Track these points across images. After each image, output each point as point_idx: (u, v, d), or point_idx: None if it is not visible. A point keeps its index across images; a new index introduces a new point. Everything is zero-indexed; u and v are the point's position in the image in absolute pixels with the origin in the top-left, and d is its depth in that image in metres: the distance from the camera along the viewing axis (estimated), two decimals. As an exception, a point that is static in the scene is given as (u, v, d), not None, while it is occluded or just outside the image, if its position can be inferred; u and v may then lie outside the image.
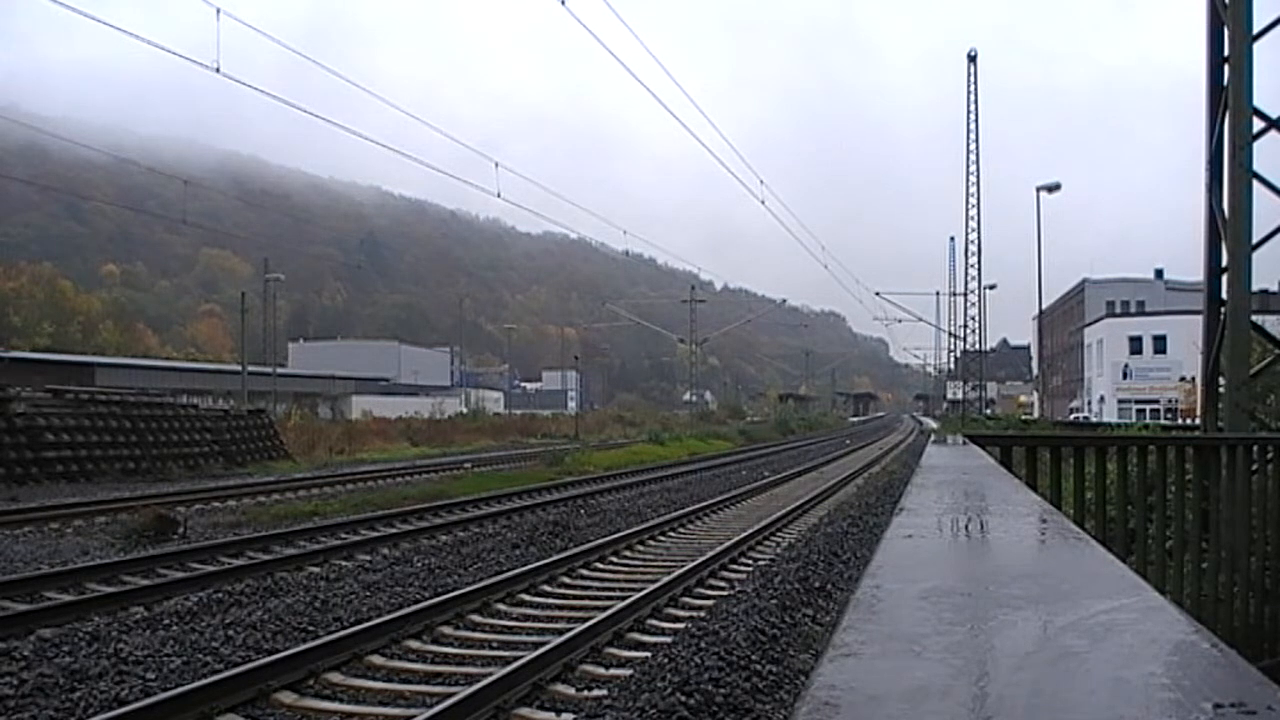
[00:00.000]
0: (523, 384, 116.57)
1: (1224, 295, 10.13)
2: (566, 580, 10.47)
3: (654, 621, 8.51)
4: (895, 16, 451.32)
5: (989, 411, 60.97)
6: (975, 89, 55.92)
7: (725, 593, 9.42)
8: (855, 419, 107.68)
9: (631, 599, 8.64)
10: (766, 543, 13.23)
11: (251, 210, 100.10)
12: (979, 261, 57.38)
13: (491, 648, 7.66)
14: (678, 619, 8.59)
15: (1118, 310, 71.86)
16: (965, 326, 59.97)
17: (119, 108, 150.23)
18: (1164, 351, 61.24)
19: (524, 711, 6.12)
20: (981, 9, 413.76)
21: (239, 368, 47.16)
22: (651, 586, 9.30)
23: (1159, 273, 75.79)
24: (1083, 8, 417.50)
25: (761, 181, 36.31)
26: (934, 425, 56.04)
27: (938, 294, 76.06)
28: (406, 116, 27.15)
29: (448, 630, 8.09)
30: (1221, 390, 10.37)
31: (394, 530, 13.82)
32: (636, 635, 8.02)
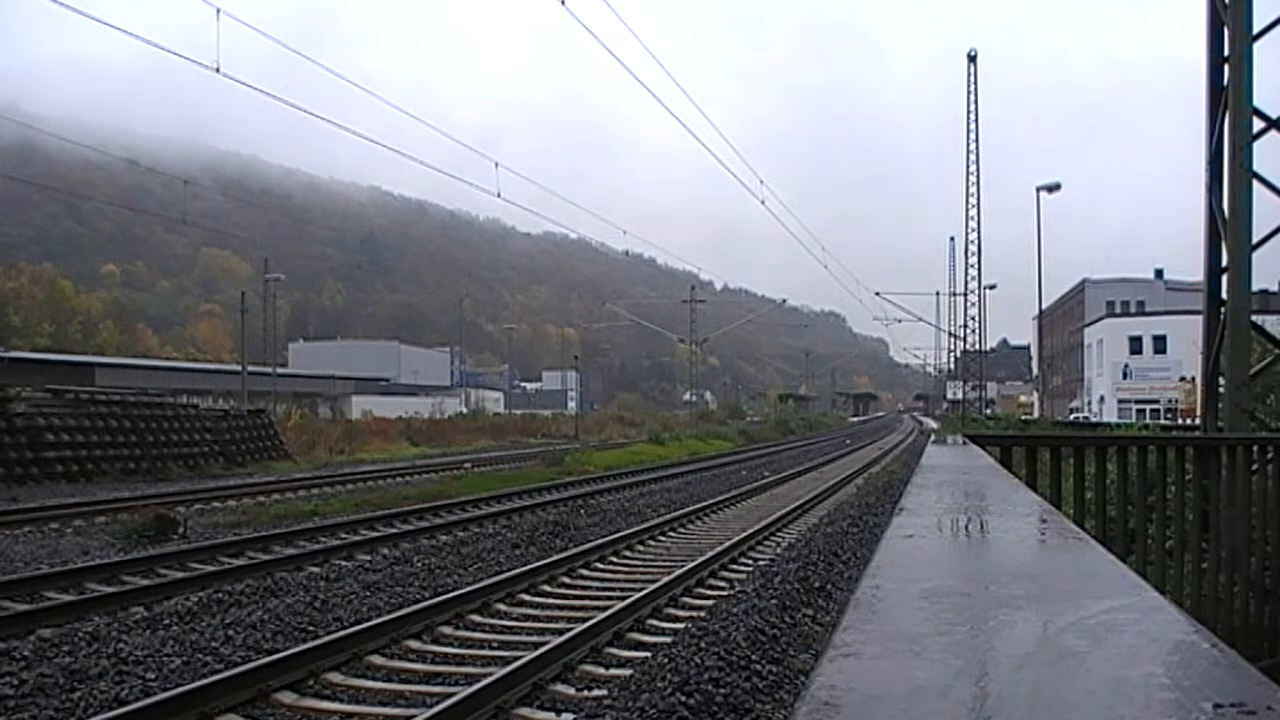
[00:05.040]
0: (523, 384, 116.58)
1: (1224, 295, 10.13)
2: (566, 580, 10.47)
3: (654, 621, 8.51)
4: (901, 12, 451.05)
5: (989, 411, 60.94)
6: (975, 89, 55.91)
7: (725, 593, 9.42)
8: (855, 419, 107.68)
9: (631, 599, 8.64)
10: (766, 543, 13.23)
11: (251, 210, 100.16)
12: (979, 261, 57.39)
13: (491, 648, 7.67)
14: (678, 619, 8.59)
15: (1118, 310, 71.87)
16: (965, 326, 59.99)
17: (115, 106, 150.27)
18: (1164, 351, 61.24)
19: (524, 711, 6.12)
20: (990, 4, 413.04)
21: (239, 368, 47.17)
22: (651, 586, 9.30)
23: (1159, 273, 75.82)
24: (1095, 2, 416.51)
25: (761, 181, 36.35)
26: (934, 425, 56.03)
27: (938, 294, 76.11)
28: (404, 116, 27.24)
29: (448, 630, 8.09)
30: (1221, 390, 10.36)
31: (394, 530, 13.82)
32: (636, 635, 8.02)
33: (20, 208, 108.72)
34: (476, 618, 8.58)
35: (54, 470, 21.68)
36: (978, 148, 56.26)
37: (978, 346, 60.78)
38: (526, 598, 9.50)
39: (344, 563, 11.39)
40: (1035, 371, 79.14)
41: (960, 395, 66.26)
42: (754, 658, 6.61)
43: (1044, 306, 50.00)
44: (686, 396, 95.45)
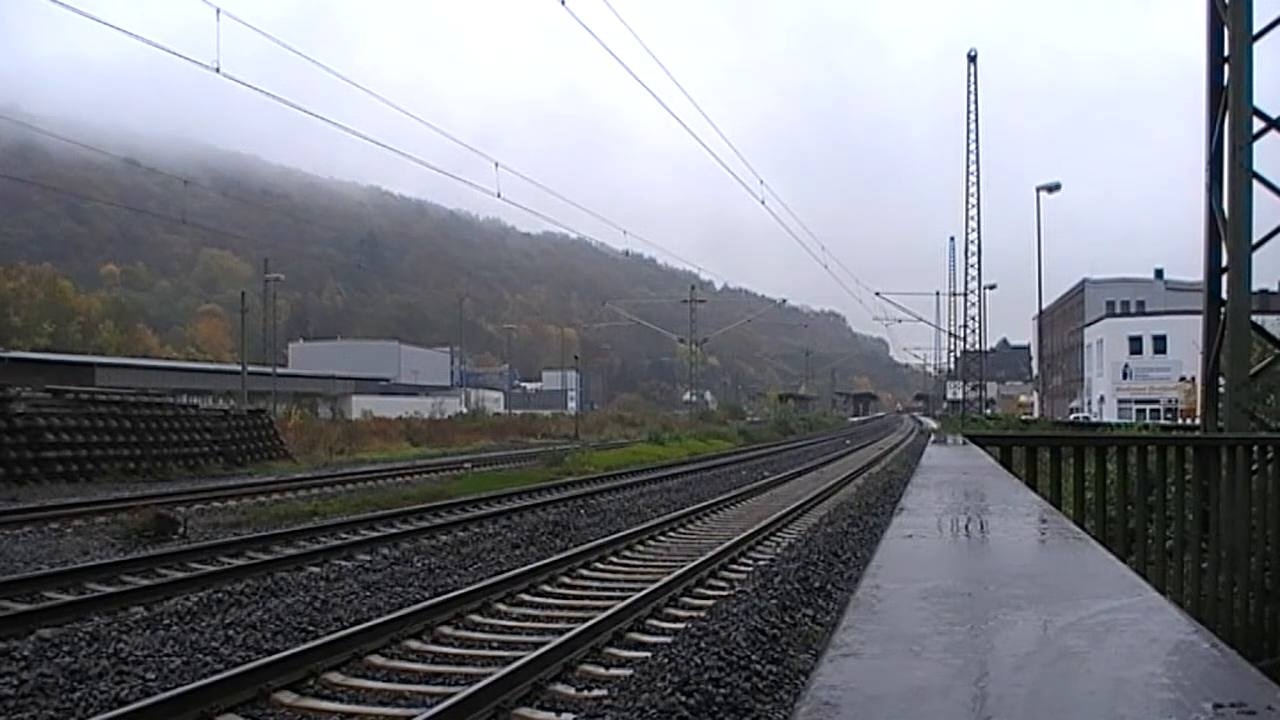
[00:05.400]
0: (523, 384, 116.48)
1: (1224, 295, 10.13)
2: (566, 580, 10.47)
3: (654, 621, 8.51)
4: (902, 11, 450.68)
5: (989, 411, 60.94)
6: (975, 89, 55.91)
7: (725, 593, 9.42)
8: (855, 419, 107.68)
9: (631, 599, 8.64)
10: (766, 543, 13.22)
11: (251, 210, 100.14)
12: (979, 261, 57.41)
13: (491, 648, 7.66)
14: (678, 619, 8.59)
15: (1118, 310, 71.88)
16: (965, 326, 60.00)
17: (114, 106, 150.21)
18: (1164, 351, 61.23)
19: (524, 711, 6.12)
20: (992, 3, 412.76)
21: (239, 368, 47.14)
22: (651, 586, 9.30)
23: (1159, 273, 75.83)
24: (1097, 1, 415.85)
25: (761, 181, 36.39)
26: (934, 425, 56.04)
27: (938, 294, 76.09)
28: (404, 115, 27.22)
29: (448, 630, 8.09)
30: (1221, 390, 10.36)
31: (394, 530, 13.82)
32: (636, 635, 8.02)
33: (20, 208, 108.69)
34: (476, 618, 8.58)
35: (54, 470, 21.67)
36: (978, 148, 56.33)
37: (978, 346, 60.80)
38: (526, 598, 9.50)
39: (344, 563, 11.39)
40: (1035, 371, 79.18)
41: (960, 395, 66.27)
42: (754, 658, 6.62)
43: (1044, 306, 50.01)
44: (686, 396, 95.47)
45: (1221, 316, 10.13)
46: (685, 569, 10.32)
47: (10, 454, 21.10)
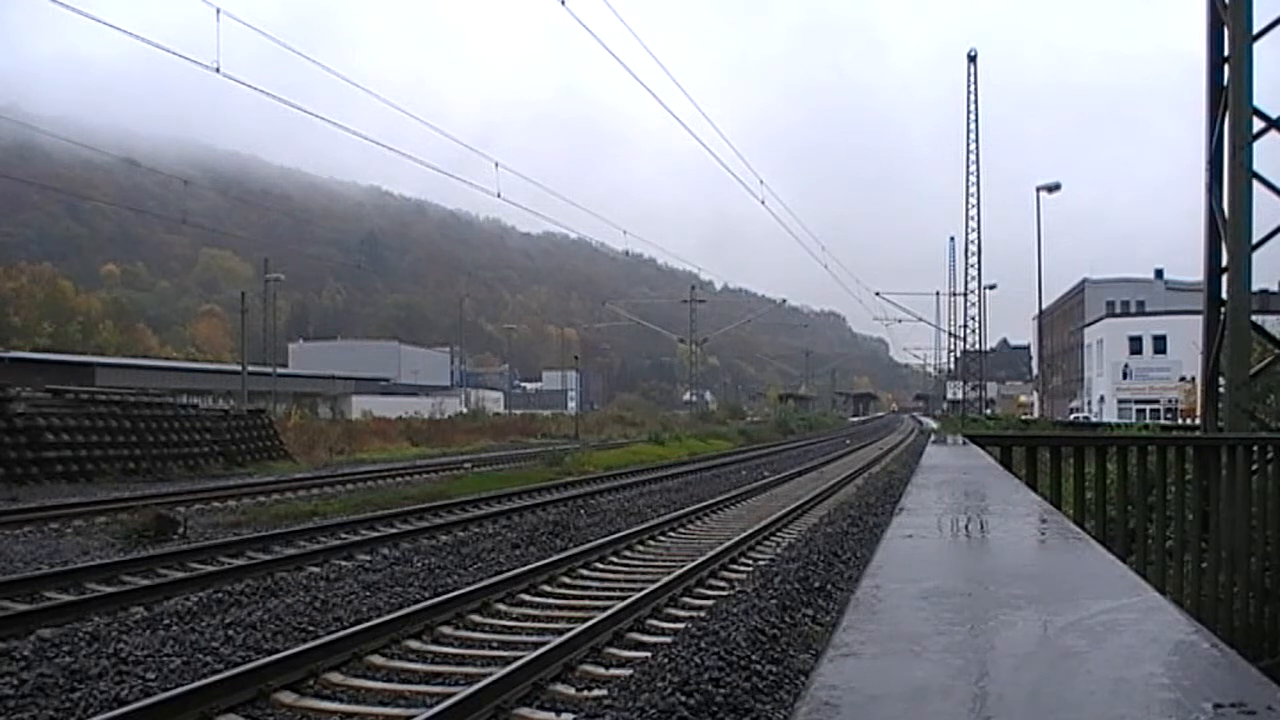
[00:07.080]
0: (523, 384, 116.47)
1: (1224, 295, 10.14)
2: (566, 580, 10.47)
3: (654, 621, 8.50)
4: (904, 11, 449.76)
5: (989, 411, 60.96)
6: (975, 88, 56.00)
7: (725, 593, 9.42)
8: (855, 419, 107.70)
9: (631, 599, 8.64)
10: (766, 543, 13.22)
11: (251, 210, 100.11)
12: (979, 261, 57.47)
13: (491, 648, 7.66)
14: (678, 619, 8.59)
15: (1118, 310, 71.89)
16: (965, 326, 60.05)
17: (113, 106, 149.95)
18: (1164, 351, 61.25)
19: (524, 711, 6.12)
20: (993, 3, 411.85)
21: (239, 368, 47.14)
22: (651, 586, 9.30)
23: (1159, 273, 75.88)
24: (1098, 0, 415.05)
25: (761, 181, 36.42)
26: (934, 425, 56.06)
27: (938, 294, 76.10)
28: (404, 115, 27.22)
29: (448, 630, 8.09)
30: (1221, 390, 10.37)
31: (394, 530, 13.82)
32: (636, 635, 8.01)
33: (20, 208, 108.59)
34: (476, 618, 8.58)
35: (54, 470, 21.67)
36: (978, 148, 56.42)
37: (978, 346, 60.83)
38: (526, 598, 9.50)
39: (344, 563, 11.39)
40: (1035, 371, 79.22)
41: (960, 395, 66.31)
42: (754, 658, 6.62)
43: (1044, 306, 50.04)
44: (686, 396, 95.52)
45: (1221, 316, 10.14)
46: (685, 569, 10.32)
47: (10, 454, 21.09)
